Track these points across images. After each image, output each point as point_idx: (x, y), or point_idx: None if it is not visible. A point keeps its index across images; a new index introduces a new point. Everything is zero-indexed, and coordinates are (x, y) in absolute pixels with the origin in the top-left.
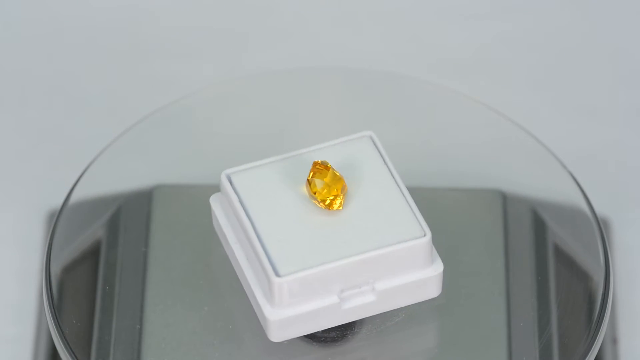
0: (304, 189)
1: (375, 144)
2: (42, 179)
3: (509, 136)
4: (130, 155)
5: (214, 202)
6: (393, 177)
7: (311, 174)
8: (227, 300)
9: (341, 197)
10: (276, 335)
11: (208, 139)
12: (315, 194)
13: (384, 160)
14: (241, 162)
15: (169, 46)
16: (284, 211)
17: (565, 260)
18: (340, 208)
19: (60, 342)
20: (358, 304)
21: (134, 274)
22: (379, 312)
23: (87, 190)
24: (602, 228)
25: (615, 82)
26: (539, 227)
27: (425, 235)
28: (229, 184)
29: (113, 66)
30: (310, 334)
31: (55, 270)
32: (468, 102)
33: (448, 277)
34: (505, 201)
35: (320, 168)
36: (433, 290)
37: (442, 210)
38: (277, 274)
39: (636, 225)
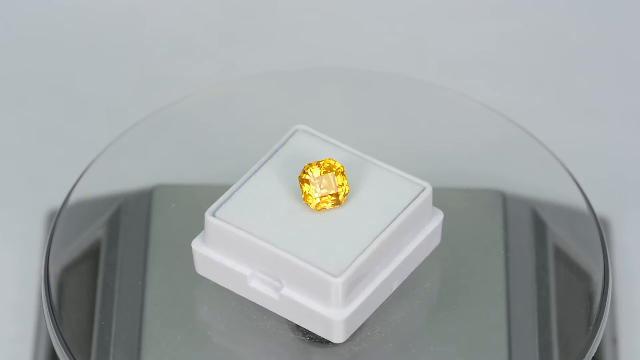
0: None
1: (418, 195)
2: (42, 179)
3: (509, 136)
4: (130, 155)
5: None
6: (392, 222)
7: (313, 165)
8: (228, 300)
9: (326, 201)
10: (197, 267)
11: (208, 139)
12: (300, 179)
13: (404, 209)
14: (240, 162)
15: (169, 47)
16: (283, 182)
17: (565, 260)
18: (316, 209)
19: (59, 343)
20: (262, 291)
21: (134, 274)
22: (280, 314)
23: (87, 190)
24: (601, 228)
25: (615, 82)
26: (539, 227)
27: (335, 278)
28: (289, 137)
29: (113, 67)
30: (312, 334)
31: (55, 270)
32: (468, 102)
33: (448, 277)
34: (505, 201)
35: (326, 167)
36: (335, 334)
37: (442, 210)
38: (212, 214)
39: (636, 225)
